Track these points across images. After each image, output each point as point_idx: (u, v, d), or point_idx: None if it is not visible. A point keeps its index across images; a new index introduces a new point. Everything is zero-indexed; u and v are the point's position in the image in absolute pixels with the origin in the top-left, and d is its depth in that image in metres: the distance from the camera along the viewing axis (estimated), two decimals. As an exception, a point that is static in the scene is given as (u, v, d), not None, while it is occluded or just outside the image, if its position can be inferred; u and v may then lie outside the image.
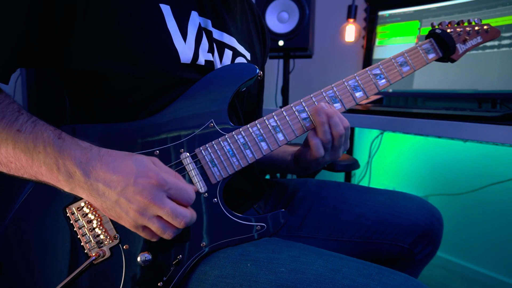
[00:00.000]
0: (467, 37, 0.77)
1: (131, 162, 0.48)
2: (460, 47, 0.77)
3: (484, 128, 0.88)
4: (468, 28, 0.78)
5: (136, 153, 0.53)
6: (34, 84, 1.50)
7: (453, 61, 0.78)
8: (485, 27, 0.80)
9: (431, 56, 0.75)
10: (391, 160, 1.90)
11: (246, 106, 0.79)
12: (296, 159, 0.76)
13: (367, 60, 1.68)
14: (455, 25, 0.78)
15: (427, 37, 0.77)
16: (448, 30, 0.76)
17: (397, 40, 1.57)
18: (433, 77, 1.44)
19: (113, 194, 0.47)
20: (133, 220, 0.48)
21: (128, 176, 0.47)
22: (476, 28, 0.79)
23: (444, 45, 0.74)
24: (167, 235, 0.50)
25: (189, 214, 0.50)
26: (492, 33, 0.81)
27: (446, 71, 1.39)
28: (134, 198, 0.47)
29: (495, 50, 1.26)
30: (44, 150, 0.48)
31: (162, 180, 0.47)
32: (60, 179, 0.49)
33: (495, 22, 1.26)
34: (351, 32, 1.67)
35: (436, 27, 0.77)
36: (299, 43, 1.51)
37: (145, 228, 0.50)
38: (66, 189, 0.50)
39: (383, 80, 0.70)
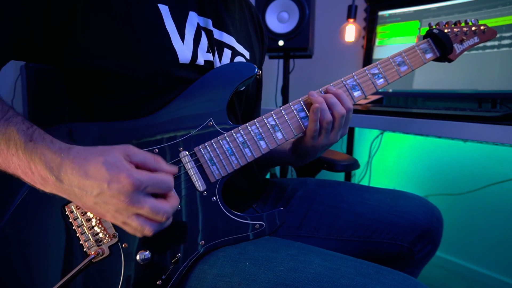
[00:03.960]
0: (464, 37, 0.78)
1: (101, 164, 0.45)
2: (457, 47, 0.78)
3: (484, 128, 0.87)
4: (465, 29, 0.79)
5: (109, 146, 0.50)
6: (34, 84, 1.50)
7: (450, 61, 0.78)
8: (482, 27, 0.80)
9: (429, 55, 0.75)
10: (391, 160, 1.90)
11: (244, 106, 0.79)
12: (294, 147, 0.77)
13: (367, 60, 1.68)
14: (452, 25, 0.79)
15: (424, 37, 0.77)
16: (446, 30, 0.76)
17: (397, 40, 1.57)
18: (433, 77, 1.44)
19: (90, 198, 0.46)
20: (113, 218, 0.48)
21: (100, 181, 0.45)
22: (473, 28, 0.80)
23: (441, 45, 0.75)
24: (147, 232, 0.48)
25: (169, 206, 0.48)
26: (489, 34, 0.82)
27: (446, 71, 1.39)
28: (111, 201, 0.46)
29: (495, 50, 1.26)
30: (17, 153, 0.47)
31: (136, 181, 0.45)
32: (37, 182, 0.48)
33: (495, 22, 1.26)
34: (351, 32, 1.67)
35: (434, 27, 0.78)
36: (299, 43, 1.51)
37: (126, 224, 0.49)
38: (46, 190, 0.49)
39: (381, 80, 0.70)
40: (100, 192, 0.45)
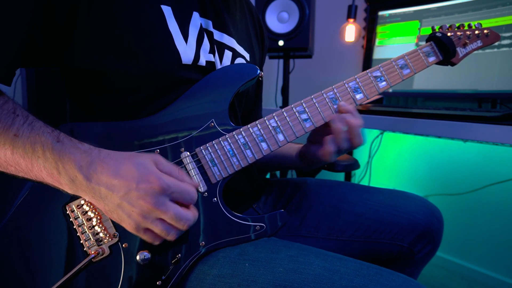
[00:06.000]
0: (467, 41, 0.77)
1: (132, 165, 0.47)
2: (460, 51, 0.77)
3: (484, 128, 0.88)
4: (468, 32, 0.78)
5: (137, 151, 0.52)
6: (34, 84, 1.50)
7: (453, 64, 0.78)
8: (485, 31, 0.79)
9: (432, 59, 0.74)
10: (391, 160, 1.90)
11: (244, 106, 0.79)
12: (302, 155, 0.77)
13: (367, 60, 1.68)
14: (456, 29, 0.78)
15: (427, 40, 0.76)
16: (449, 34, 0.76)
17: (397, 40, 1.57)
18: (433, 77, 1.44)
19: (115, 198, 0.47)
20: (135, 222, 0.48)
21: (130, 180, 0.46)
22: (477, 32, 0.79)
23: (444, 48, 0.74)
24: (171, 237, 0.50)
25: (192, 215, 0.50)
26: (492, 37, 0.81)
27: (446, 71, 1.39)
28: (137, 203, 0.47)
29: (495, 50, 1.26)
30: (43, 154, 0.48)
31: (164, 184, 0.47)
32: (62, 183, 0.49)
33: (495, 22, 1.26)
34: (351, 32, 1.67)
35: (437, 30, 0.77)
36: (299, 43, 1.51)
37: (147, 230, 0.50)
38: (69, 191, 0.50)
39: (384, 83, 0.70)
40: (127, 192, 0.46)
